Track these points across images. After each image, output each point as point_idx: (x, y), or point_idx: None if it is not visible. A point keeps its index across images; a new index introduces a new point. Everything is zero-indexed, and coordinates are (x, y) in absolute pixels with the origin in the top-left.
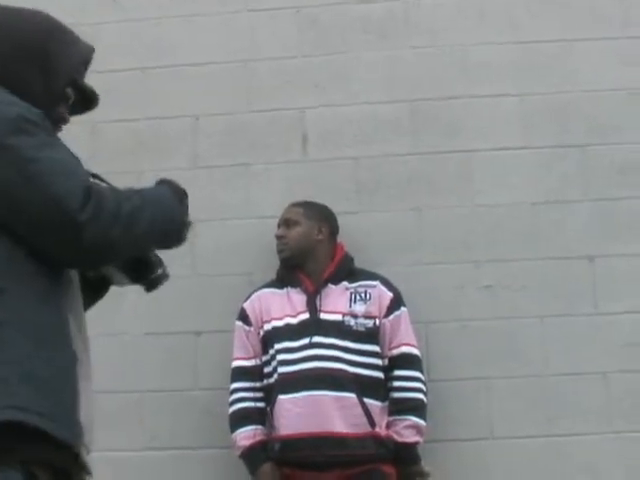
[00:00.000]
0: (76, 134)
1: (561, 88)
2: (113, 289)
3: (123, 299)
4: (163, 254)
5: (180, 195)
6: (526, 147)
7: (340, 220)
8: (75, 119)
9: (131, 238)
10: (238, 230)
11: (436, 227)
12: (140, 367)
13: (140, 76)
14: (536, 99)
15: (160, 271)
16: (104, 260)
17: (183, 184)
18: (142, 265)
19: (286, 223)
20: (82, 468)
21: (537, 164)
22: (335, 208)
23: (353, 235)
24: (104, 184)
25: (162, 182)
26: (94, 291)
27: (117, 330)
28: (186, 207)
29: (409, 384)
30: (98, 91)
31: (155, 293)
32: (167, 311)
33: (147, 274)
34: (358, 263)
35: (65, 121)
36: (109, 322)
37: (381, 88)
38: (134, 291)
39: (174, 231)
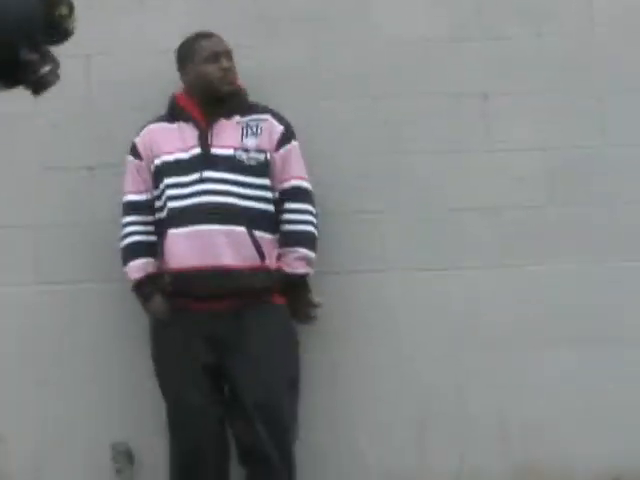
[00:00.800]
0: None
1: None
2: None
3: (17, 133)
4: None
5: None
6: None
7: (237, 54)
8: None
9: None
10: (133, 63)
11: (332, 62)
12: (36, 202)
13: None
14: None
15: (46, 69)
16: None
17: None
18: (16, 67)
19: (227, 55)
20: None
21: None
22: (233, 41)
23: (249, 69)
24: None
25: None
26: None
27: (14, 164)
28: None
29: (299, 216)
30: None
31: (50, 127)
32: (63, 145)
33: (25, 75)
34: (253, 98)
35: None
36: (4, 156)
37: None
38: (29, 123)
39: (36, 23)
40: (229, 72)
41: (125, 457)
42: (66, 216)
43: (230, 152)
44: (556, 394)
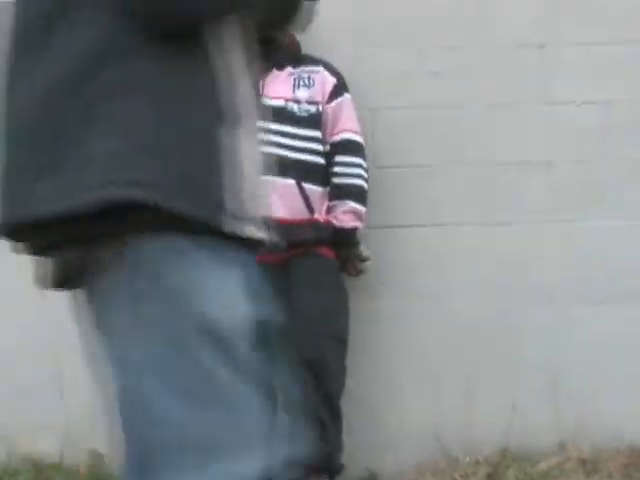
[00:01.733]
0: None
1: None
2: None
3: None
4: None
5: None
6: None
7: None
8: None
9: None
10: None
11: (383, 10)
12: None
13: None
14: None
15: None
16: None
17: None
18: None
19: None
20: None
21: None
22: None
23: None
24: None
25: None
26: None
27: None
28: None
29: (350, 170)
30: None
31: None
32: None
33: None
34: (303, 49)
35: None
36: None
37: None
38: None
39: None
40: None
41: None
42: None
43: (281, 103)
44: (606, 351)
